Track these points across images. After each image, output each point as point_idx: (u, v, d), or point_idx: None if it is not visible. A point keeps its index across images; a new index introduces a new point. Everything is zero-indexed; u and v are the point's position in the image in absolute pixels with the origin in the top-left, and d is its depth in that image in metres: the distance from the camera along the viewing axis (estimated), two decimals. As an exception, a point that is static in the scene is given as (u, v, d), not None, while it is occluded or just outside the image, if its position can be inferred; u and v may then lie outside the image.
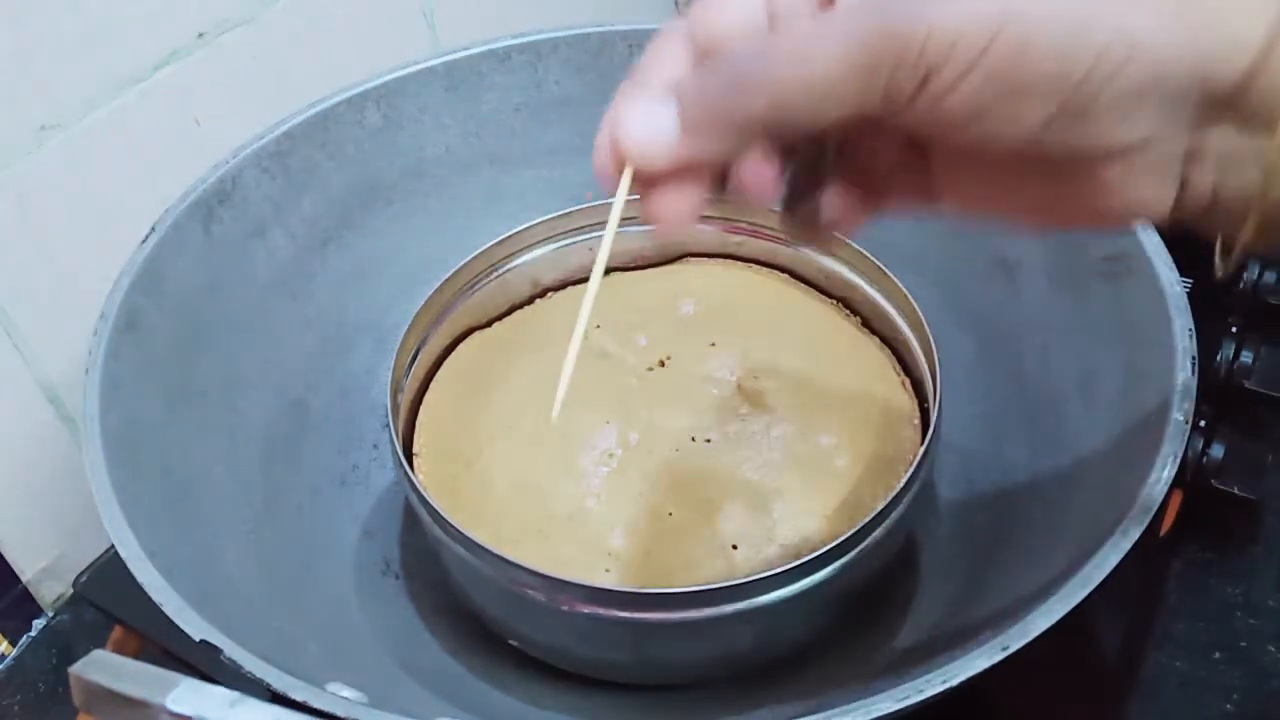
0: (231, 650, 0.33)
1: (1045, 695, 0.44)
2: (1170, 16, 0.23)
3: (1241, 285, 0.55)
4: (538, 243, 0.51)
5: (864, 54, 0.23)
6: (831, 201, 0.29)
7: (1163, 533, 0.49)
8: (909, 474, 0.40)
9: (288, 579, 0.44)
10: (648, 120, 0.25)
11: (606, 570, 0.41)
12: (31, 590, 0.53)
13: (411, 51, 0.53)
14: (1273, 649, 0.46)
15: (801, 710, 0.30)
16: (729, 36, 0.25)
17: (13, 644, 0.53)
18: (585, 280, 0.53)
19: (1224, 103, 0.24)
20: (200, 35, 0.52)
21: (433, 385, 0.49)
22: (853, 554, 0.39)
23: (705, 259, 0.53)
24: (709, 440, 0.43)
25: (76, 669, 0.28)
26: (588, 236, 0.52)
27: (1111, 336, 0.43)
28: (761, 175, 0.26)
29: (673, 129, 0.24)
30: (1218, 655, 0.46)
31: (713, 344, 0.47)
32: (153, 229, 0.44)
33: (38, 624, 0.54)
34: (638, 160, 0.24)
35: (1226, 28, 0.23)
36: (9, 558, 0.52)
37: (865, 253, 0.48)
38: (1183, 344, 0.39)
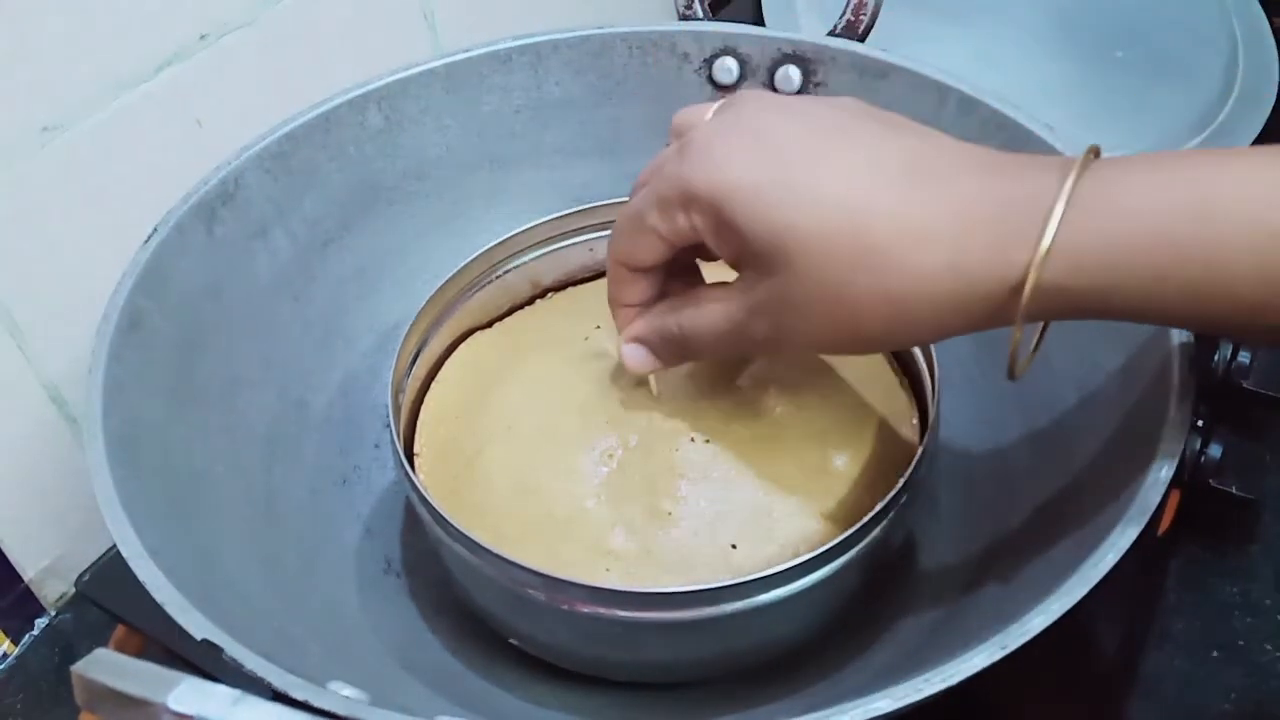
0: (233, 649, 0.33)
1: (1045, 694, 0.44)
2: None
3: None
4: (538, 243, 0.51)
5: (734, 329, 0.37)
6: None
7: (1161, 532, 0.49)
8: (908, 474, 0.40)
9: (289, 578, 0.44)
10: (638, 363, 0.41)
11: (606, 570, 0.41)
12: (34, 589, 0.53)
13: (412, 53, 0.53)
14: (1270, 648, 0.46)
15: (801, 710, 0.30)
16: (652, 266, 0.39)
17: (15, 643, 0.53)
18: (585, 280, 0.53)
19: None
20: (202, 37, 0.52)
21: (434, 385, 0.49)
22: (852, 554, 0.39)
23: (705, 259, 0.53)
24: (708, 441, 0.43)
25: (78, 668, 0.28)
26: (588, 237, 0.52)
27: (1110, 336, 0.43)
28: None
29: (652, 365, 0.41)
30: (1216, 654, 0.46)
31: (712, 344, 0.47)
32: (155, 230, 0.45)
33: (40, 623, 0.54)
34: (639, 373, 0.42)
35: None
36: (11, 557, 0.52)
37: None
38: (1180, 343, 0.39)
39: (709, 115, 0.37)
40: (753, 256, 0.34)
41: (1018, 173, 0.33)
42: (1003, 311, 0.32)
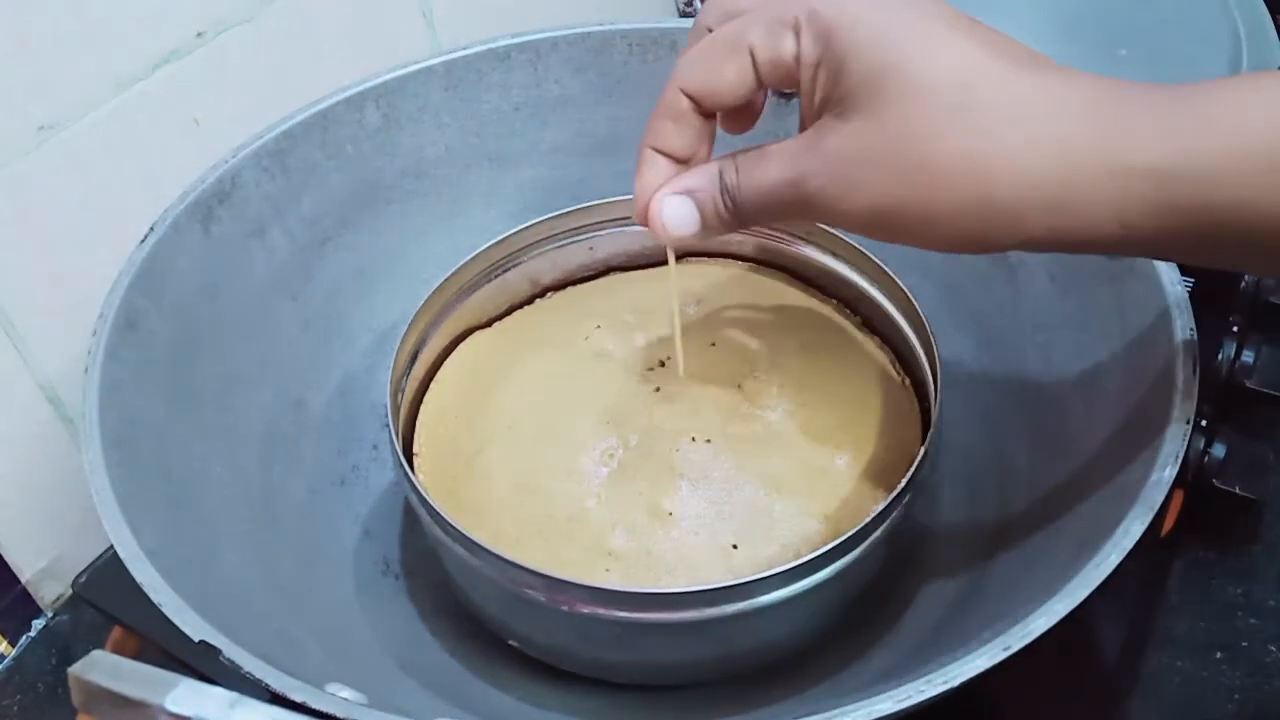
0: (231, 651, 0.32)
1: (1046, 695, 0.44)
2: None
3: (1243, 285, 0.55)
4: (538, 243, 0.51)
5: (793, 180, 0.33)
6: None
7: (1164, 532, 0.49)
8: (909, 474, 0.40)
9: (287, 579, 0.44)
10: (679, 219, 0.36)
11: (606, 570, 0.41)
12: (31, 591, 0.53)
13: (411, 51, 0.53)
14: (1274, 649, 0.46)
15: (801, 710, 0.30)
16: (722, 103, 0.35)
17: (12, 644, 0.53)
18: (585, 280, 0.53)
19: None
20: (199, 35, 0.52)
21: (433, 385, 0.49)
22: (853, 554, 0.39)
23: (705, 259, 0.53)
24: (709, 441, 0.43)
25: (76, 669, 0.28)
26: (588, 236, 0.52)
27: (1112, 336, 0.43)
28: None
29: (694, 225, 0.36)
30: (1219, 655, 0.46)
31: (713, 344, 0.47)
32: (152, 229, 0.44)
33: (37, 624, 0.54)
34: (673, 242, 0.36)
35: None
36: (8, 558, 0.52)
37: (866, 252, 0.48)
38: (1183, 343, 0.39)
39: None
40: (845, 95, 0.32)
41: (1142, 84, 0.31)
42: (1092, 206, 0.30)
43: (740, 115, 0.38)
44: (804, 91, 0.34)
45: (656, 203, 0.36)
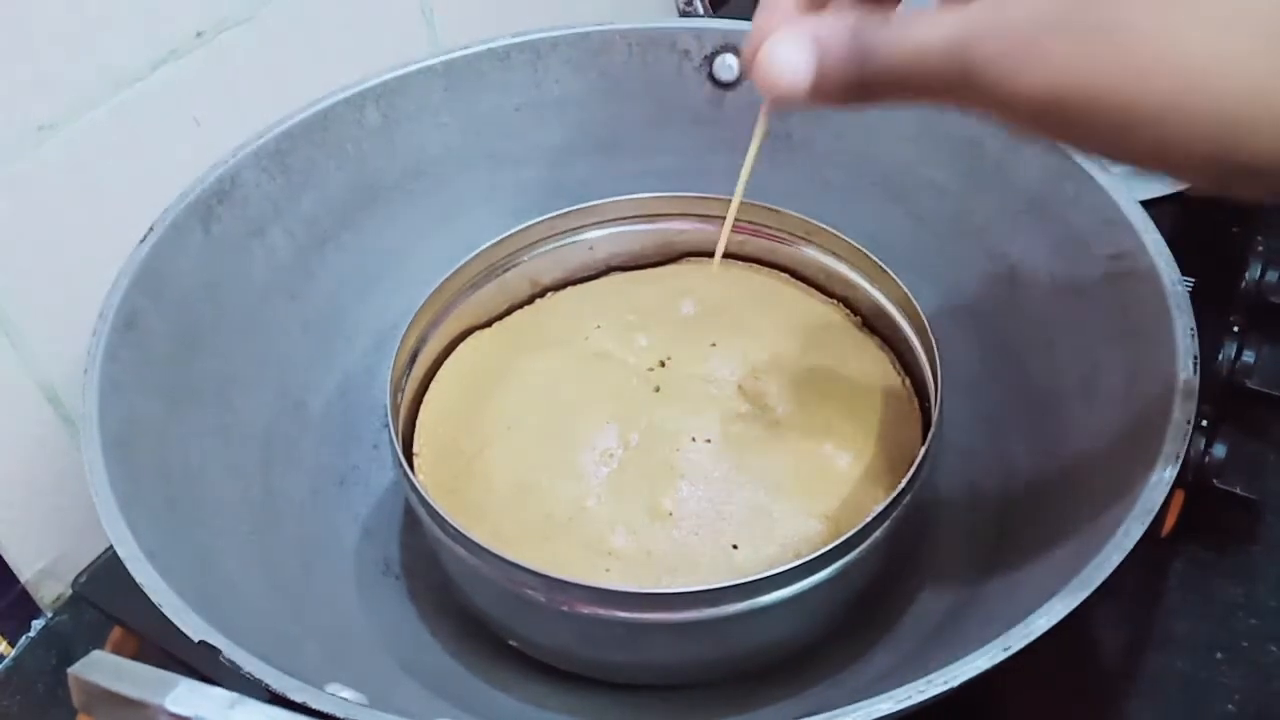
0: (230, 651, 0.32)
1: (1046, 695, 0.44)
2: None
3: (1244, 284, 0.55)
4: (537, 242, 0.51)
5: (955, 44, 0.27)
6: None
7: (1164, 533, 0.49)
8: (910, 474, 0.40)
9: (287, 579, 0.44)
10: (792, 67, 0.29)
11: (607, 570, 0.41)
12: (30, 591, 0.53)
13: (411, 51, 0.53)
14: (1274, 649, 0.46)
15: (801, 710, 0.30)
16: None
17: (12, 644, 0.53)
18: (585, 280, 0.53)
19: None
20: (199, 34, 0.52)
21: (433, 385, 0.49)
22: (853, 554, 0.39)
23: (705, 259, 0.53)
24: (709, 441, 0.43)
25: (75, 670, 0.28)
26: (587, 235, 0.52)
27: (1113, 336, 0.43)
28: None
29: (807, 78, 0.29)
30: (1219, 655, 0.46)
31: (713, 344, 0.47)
32: (151, 229, 0.44)
33: (37, 625, 0.53)
34: (777, 98, 0.30)
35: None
36: (8, 558, 0.52)
37: (866, 252, 0.48)
38: (1184, 343, 0.39)
39: None
40: None
41: None
42: None
43: None
44: None
45: (769, 45, 0.29)
